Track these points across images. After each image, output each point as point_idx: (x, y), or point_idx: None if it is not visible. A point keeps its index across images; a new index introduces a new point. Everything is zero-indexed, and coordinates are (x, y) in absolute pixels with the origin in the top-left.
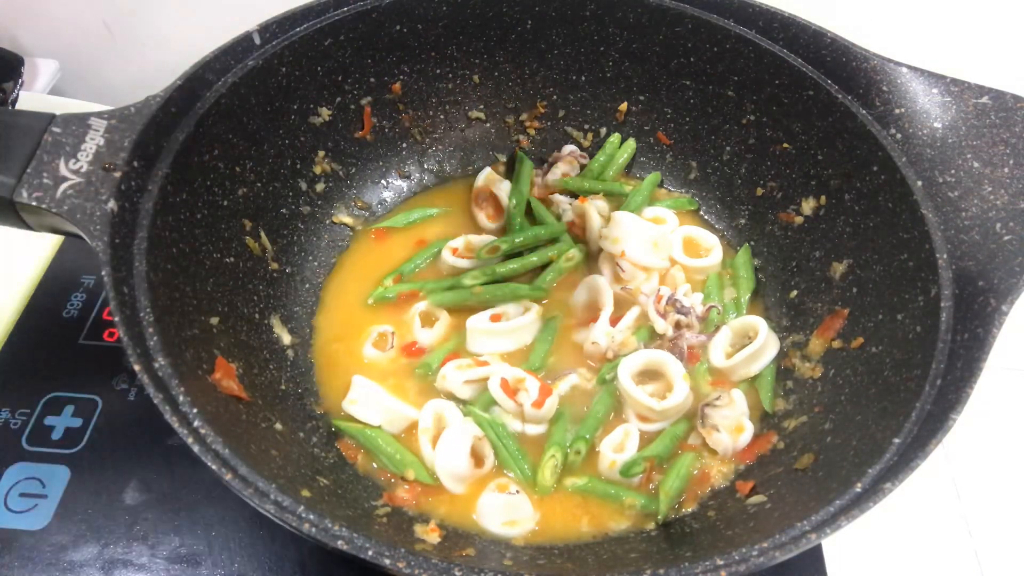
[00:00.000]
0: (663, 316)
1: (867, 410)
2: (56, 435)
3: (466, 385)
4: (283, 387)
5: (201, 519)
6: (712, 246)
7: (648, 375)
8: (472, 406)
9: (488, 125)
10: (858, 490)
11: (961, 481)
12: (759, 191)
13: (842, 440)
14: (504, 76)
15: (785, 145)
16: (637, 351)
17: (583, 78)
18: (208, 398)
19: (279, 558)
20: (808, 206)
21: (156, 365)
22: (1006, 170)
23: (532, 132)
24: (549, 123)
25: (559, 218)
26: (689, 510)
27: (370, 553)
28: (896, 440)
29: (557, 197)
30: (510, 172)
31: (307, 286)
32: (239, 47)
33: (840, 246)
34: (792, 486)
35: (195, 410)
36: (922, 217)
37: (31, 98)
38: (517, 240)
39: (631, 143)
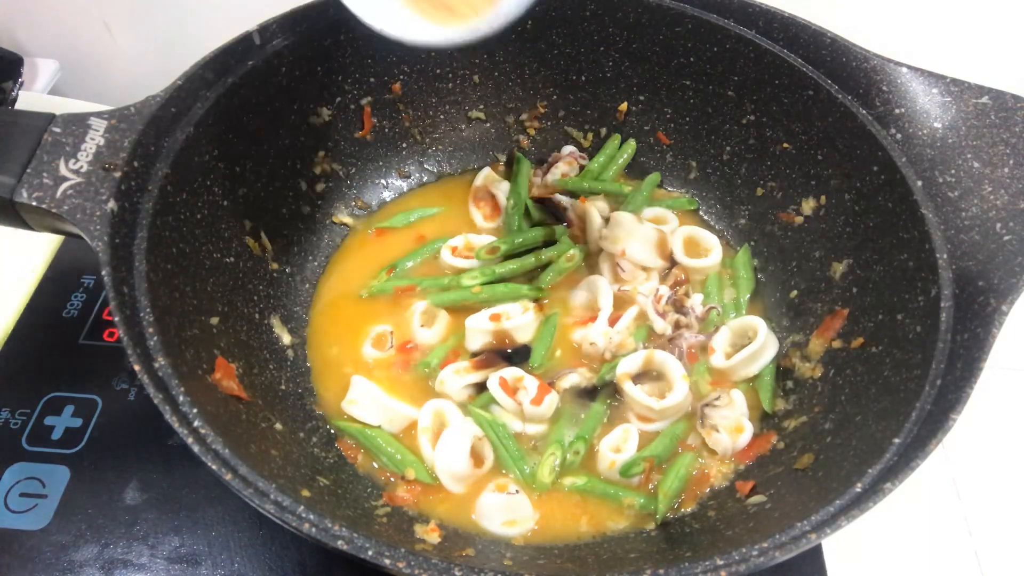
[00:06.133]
0: (662, 316)
1: (867, 410)
2: (56, 435)
3: (465, 390)
4: (283, 387)
5: (201, 519)
6: (712, 246)
7: (648, 375)
8: (473, 405)
9: (488, 125)
10: (858, 490)
11: (961, 481)
12: (759, 191)
13: (842, 440)
14: (504, 76)
15: (785, 145)
16: (636, 351)
17: (583, 78)
18: (208, 398)
19: (279, 558)
20: (808, 206)
21: (156, 365)
22: (1006, 170)
23: (532, 132)
24: (549, 123)
25: (559, 218)
26: (689, 510)
27: (370, 553)
28: (896, 440)
29: (557, 197)
30: (510, 172)
31: (307, 286)
32: (239, 47)
33: (840, 246)
34: (792, 486)
35: (195, 410)
36: (922, 217)
37: (31, 98)
38: (516, 241)
39: (631, 143)
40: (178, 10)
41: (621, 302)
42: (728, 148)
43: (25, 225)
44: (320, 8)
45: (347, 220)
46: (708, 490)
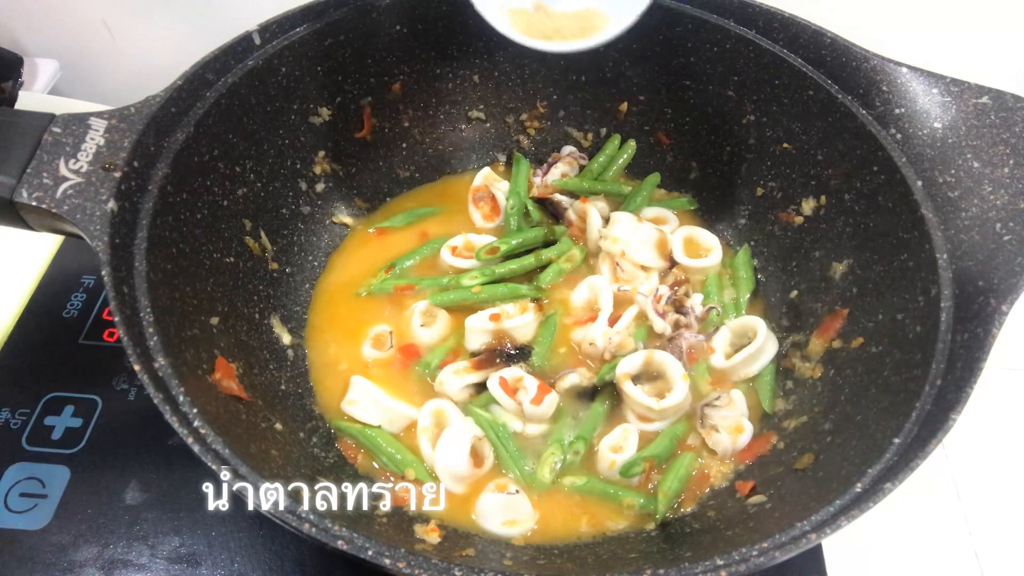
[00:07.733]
0: (662, 316)
1: (867, 410)
2: (56, 435)
3: (465, 390)
4: (283, 387)
5: (201, 519)
6: (712, 246)
7: (648, 375)
8: (473, 405)
9: (488, 125)
10: (858, 490)
11: (961, 481)
12: (759, 191)
13: (842, 440)
14: (504, 76)
15: (785, 145)
16: (636, 351)
17: (583, 78)
18: (208, 398)
19: (279, 558)
20: (808, 206)
21: (156, 365)
22: (1006, 170)
23: (532, 132)
24: (549, 123)
25: (559, 218)
26: (689, 510)
27: (370, 553)
28: (896, 440)
29: (557, 197)
30: (510, 172)
31: (307, 286)
32: (239, 47)
33: (840, 246)
34: (792, 486)
35: (195, 410)
36: (922, 217)
37: (31, 98)
38: (516, 241)
39: (631, 143)
40: (178, 10)
41: (621, 302)
42: (728, 148)
43: (25, 225)
44: (320, 8)
45: (347, 220)
46: (708, 490)
